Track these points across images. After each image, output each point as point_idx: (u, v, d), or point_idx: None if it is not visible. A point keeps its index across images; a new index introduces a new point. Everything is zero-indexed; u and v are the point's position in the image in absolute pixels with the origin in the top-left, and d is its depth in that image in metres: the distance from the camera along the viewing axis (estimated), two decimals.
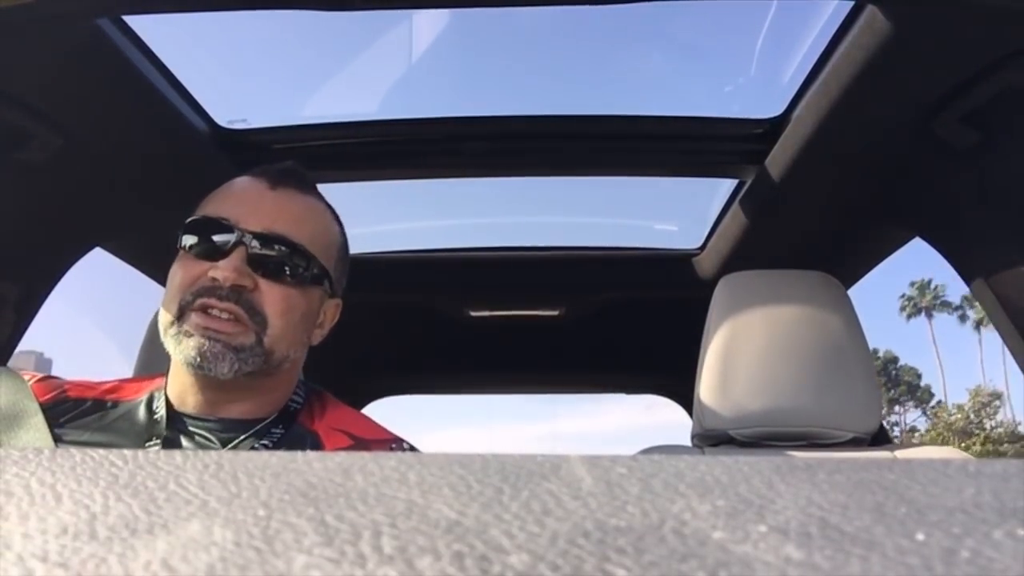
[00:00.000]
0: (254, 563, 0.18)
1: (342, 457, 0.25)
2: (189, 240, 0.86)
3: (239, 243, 0.83)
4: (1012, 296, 1.22)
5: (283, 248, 0.85)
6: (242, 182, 0.91)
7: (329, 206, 0.96)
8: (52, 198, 1.24)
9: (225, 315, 0.82)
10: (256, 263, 0.84)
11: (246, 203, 0.87)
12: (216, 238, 0.84)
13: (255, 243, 0.84)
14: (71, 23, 0.96)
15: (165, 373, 0.91)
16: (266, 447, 0.86)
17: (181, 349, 0.82)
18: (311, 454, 0.25)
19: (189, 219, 0.87)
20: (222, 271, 0.82)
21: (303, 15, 1.00)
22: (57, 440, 0.83)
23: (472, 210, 2.06)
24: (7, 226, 1.20)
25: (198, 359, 0.81)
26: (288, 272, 0.86)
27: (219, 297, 0.82)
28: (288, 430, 0.89)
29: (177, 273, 0.85)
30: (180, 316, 0.83)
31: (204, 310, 0.82)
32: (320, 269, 0.89)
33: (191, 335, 0.81)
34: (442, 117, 1.50)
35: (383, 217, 2.06)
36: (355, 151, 1.50)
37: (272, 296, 0.85)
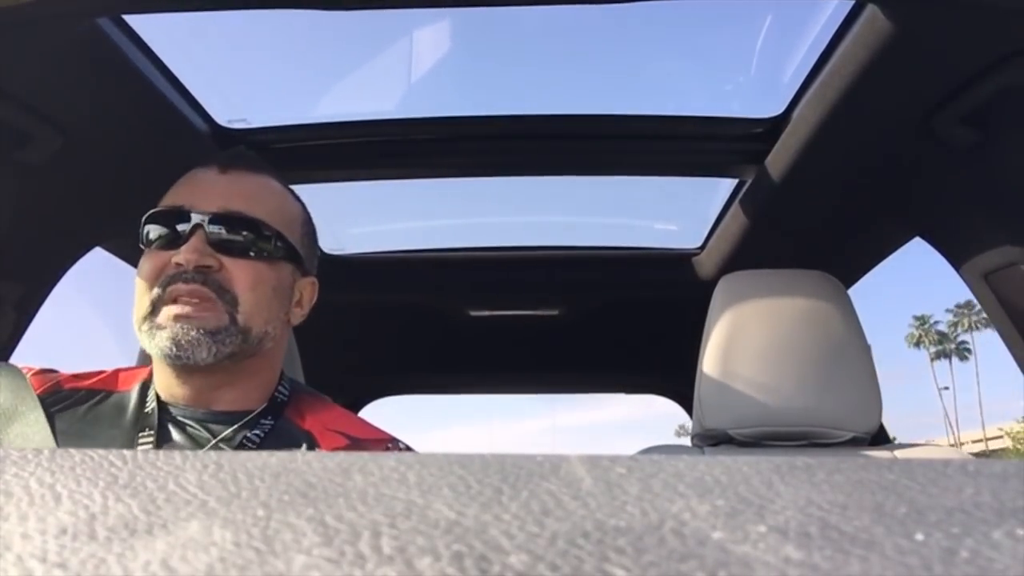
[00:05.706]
0: (253, 563, 0.18)
1: (341, 457, 0.25)
2: (149, 234, 0.87)
3: (197, 226, 0.84)
4: (1012, 296, 1.22)
5: (242, 225, 0.86)
6: (192, 172, 0.92)
7: (287, 186, 0.97)
8: (52, 198, 1.24)
9: (195, 299, 0.82)
10: (217, 243, 0.84)
11: (199, 189, 0.88)
12: (175, 227, 0.85)
13: (213, 224, 0.84)
14: (71, 23, 0.96)
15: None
16: (258, 437, 0.86)
17: (156, 343, 0.82)
18: (310, 454, 0.25)
19: (145, 215, 0.88)
20: (184, 254, 0.82)
21: (303, 15, 1.00)
22: (54, 432, 0.83)
23: (472, 210, 2.06)
24: (7, 226, 1.20)
25: (174, 349, 0.81)
26: (251, 247, 0.86)
27: (184, 281, 0.82)
28: (277, 422, 0.89)
29: (143, 267, 0.86)
30: (153, 310, 0.83)
31: (175, 300, 0.82)
32: (284, 242, 0.89)
33: (163, 327, 0.81)
34: (442, 117, 1.50)
35: (383, 217, 2.06)
36: (356, 151, 1.50)
37: (238, 272, 0.85)
